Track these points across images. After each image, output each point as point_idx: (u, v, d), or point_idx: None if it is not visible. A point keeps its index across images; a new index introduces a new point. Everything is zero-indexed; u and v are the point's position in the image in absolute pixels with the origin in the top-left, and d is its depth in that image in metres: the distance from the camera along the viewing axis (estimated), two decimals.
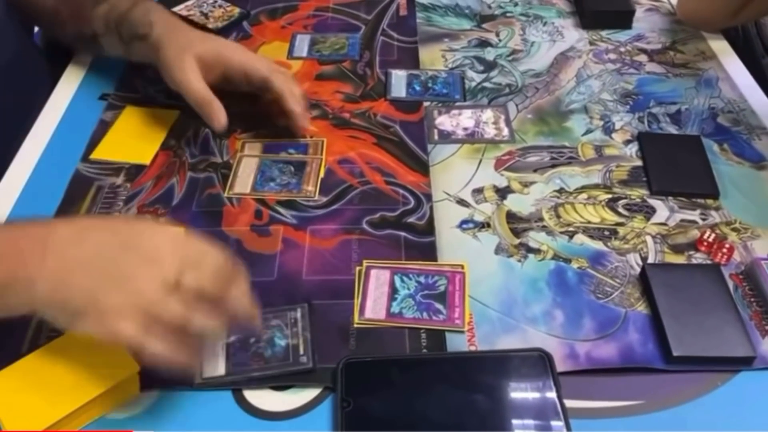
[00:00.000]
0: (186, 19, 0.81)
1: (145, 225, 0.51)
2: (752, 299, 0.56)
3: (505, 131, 0.72)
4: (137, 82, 0.79)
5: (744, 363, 0.51)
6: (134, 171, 0.68)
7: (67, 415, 0.46)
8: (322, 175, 0.68)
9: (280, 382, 0.50)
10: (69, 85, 0.79)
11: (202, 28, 0.84)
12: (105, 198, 0.65)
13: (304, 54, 0.84)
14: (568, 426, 0.47)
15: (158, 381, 0.50)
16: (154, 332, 0.43)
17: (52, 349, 0.50)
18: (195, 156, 0.70)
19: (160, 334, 0.43)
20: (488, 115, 0.74)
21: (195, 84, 0.65)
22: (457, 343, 0.53)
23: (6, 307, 0.45)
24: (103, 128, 0.73)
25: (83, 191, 0.65)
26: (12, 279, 0.45)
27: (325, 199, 0.65)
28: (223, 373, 0.50)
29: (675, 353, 0.51)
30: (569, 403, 0.48)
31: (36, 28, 0.86)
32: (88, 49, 0.78)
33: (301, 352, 0.52)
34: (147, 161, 0.69)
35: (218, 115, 0.65)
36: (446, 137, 0.72)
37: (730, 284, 0.56)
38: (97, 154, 0.69)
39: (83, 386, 0.48)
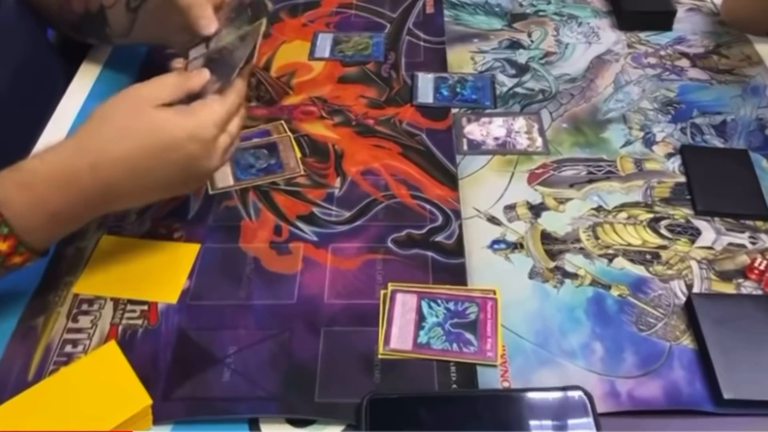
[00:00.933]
0: None
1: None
2: None
3: (539, 142, 0.68)
4: None
5: None
6: None
7: None
8: (299, 154, 0.67)
9: (301, 416, 0.47)
10: (83, 84, 0.76)
11: None
12: None
13: (327, 54, 0.80)
14: None
15: (172, 413, 0.47)
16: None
17: (60, 379, 0.48)
18: None
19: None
20: (520, 123, 0.70)
21: None
22: (489, 378, 0.50)
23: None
24: None
25: None
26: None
27: (348, 214, 0.62)
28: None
29: (726, 396, 0.47)
30: None
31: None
32: (94, 31, 0.74)
33: None
34: None
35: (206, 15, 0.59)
36: (476, 147, 0.68)
37: None
38: None
39: (93, 420, 0.45)
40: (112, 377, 0.47)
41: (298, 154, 0.67)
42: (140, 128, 0.50)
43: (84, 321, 0.53)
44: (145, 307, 0.54)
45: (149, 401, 0.46)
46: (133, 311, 0.54)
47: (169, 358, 0.51)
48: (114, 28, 0.71)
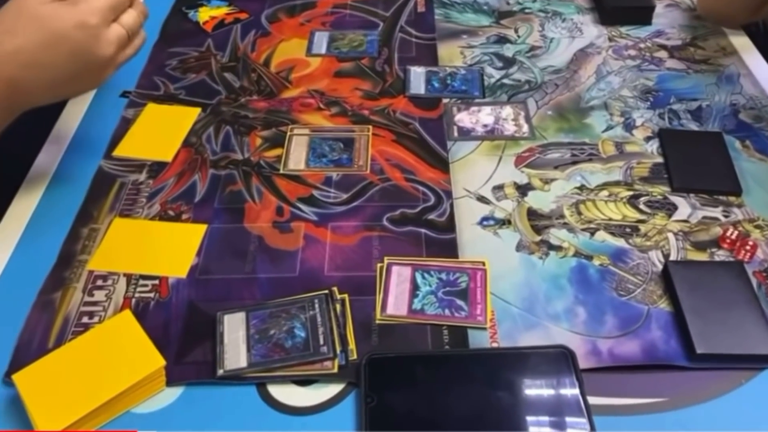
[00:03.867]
0: None
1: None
2: None
3: (525, 128, 0.72)
4: (158, 79, 0.80)
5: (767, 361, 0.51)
6: (156, 168, 0.68)
7: (94, 410, 0.47)
8: (371, 150, 0.70)
9: (305, 377, 0.51)
10: None
11: None
12: (128, 194, 0.65)
13: (323, 51, 0.84)
14: (591, 423, 0.47)
15: (184, 375, 0.51)
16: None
17: (79, 344, 0.51)
18: (216, 153, 0.70)
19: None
20: (508, 111, 0.74)
21: None
22: (479, 340, 0.53)
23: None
24: (124, 125, 0.73)
25: (106, 188, 0.66)
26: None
27: (345, 196, 0.65)
28: (245, 365, 0.51)
29: (698, 351, 0.51)
30: (592, 400, 0.48)
31: None
32: None
33: (321, 341, 0.52)
34: (169, 158, 0.69)
35: None
36: (466, 134, 0.72)
37: (754, 282, 0.56)
38: (120, 151, 0.70)
39: (110, 381, 0.48)
40: (128, 342, 0.51)
41: (370, 152, 0.69)
42: (28, 24, 0.55)
43: (99, 295, 0.57)
44: (156, 282, 0.58)
45: (163, 362, 0.49)
46: (145, 285, 0.57)
47: (180, 326, 0.54)
48: None
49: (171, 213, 0.64)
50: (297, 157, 0.69)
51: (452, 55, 0.83)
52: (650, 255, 0.59)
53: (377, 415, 0.47)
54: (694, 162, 0.67)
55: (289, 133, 0.72)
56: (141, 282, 0.58)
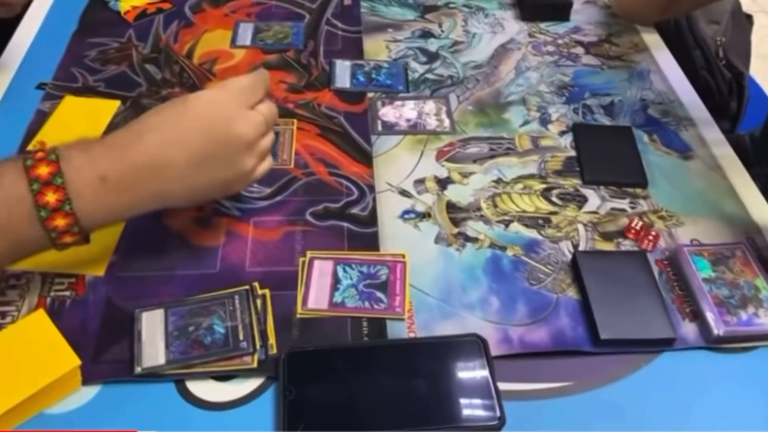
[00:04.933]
0: None
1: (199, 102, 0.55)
2: (675, 284, 0.59)
3: (447, 123, 0.74)
4: (76, 70, 0.78)
5: (666, 344, 0.54)
6: None
7: (7, 411, 0.46)
8: (295, 145, 0.70)
9: (224, 373, 0.51)
10: (4, 73, 0.77)
11: None
12: None
13: (248, 43, 0.84)
14: (501, 407, 0.49)
15: (101, 374, 0.50)
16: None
17: None
18: None
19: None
20: (430, 106, 0.76)
21: None
22: (397, 331, 0.55)
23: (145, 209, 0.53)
24: (40, 118, 0.71)
25: None
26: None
27: (268, 191, 0.66)
28: (163, 363, 0.51)
29: (602, 336, 0.54)
30: (503, 385, 0.51)
31: None
32: None
33: (241, 337, 0.52)
34: None
35: None
36: (389, 128, 0.73)
37: (655, 270, 0.59)
38: (35, 146, 0.68)
39: (23, 382, 0.48)
40: (41, 342, 0.50)
41: (294, 146, 0.70)
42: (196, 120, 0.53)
43: (12, 294, 0.56)
44: (73, 280, 0.57)
45: (78, 362, 0.49)
46: (61, 283, 0.56)
47: (98, 324, 0.54)
48: None
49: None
50: None
51: (377, 48, 0.84)
52: (560, 245, 0.62)
53: (295, 408, 0.48)
54: (604, 155, 0.70)
55: None
56: (57, 280, 0.57)
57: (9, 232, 0.49)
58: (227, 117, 0.54)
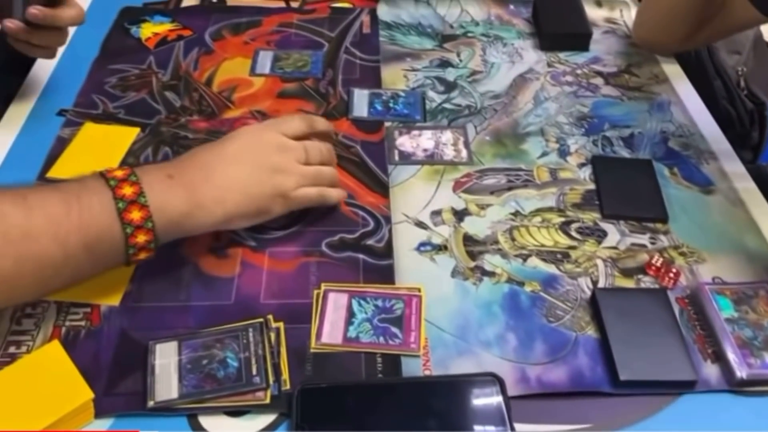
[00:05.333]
0: None
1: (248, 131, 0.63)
2: (696, 323, 0.58)
3: (464, 153, 0.74)
4: (96, 97, 0.78)
5: (687, 387, 0.53)
6: None
7: None
8: None
9: (237, 408, 0.51)
10: (26, 99, 0.78)
11: None
12: None
13: (267, 71, 0.84)
14: None
15: (114, 407, 0.50)
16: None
17: (4, 376, 0.50)
18: None
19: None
20: (448, 136, 0.76)
21: None
22: (412, 368, 0.54)
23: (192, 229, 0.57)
24: (60, 145, 0.72)
25: None
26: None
27: (284, 221, 0.65)
28: (176, 396, 0.50)
29: (622, 377, 0.53)
30: (520, 427, 0.50)
31: None
32: None
33: (254, 372, 0.52)
34: None
35: None
36: (406, 158, 0.73)
37: (676, 308, 0.58)
38: (54, 173, 0.69)
39: (36, 414, 0.47)
40: (55, 373, 0.50)
41: None
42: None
43: (27, 324, 0.56)
44: (88, 310, 0.57)
45: (91, 395, 0.49)
46: (76, 313, 0.56)
47: (111, 356, 0.54)
48: None
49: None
50: None
51: (395, 77, 0.84)
52: (579, 281, 0.61)
53: None
54: (624, 189, 0.69)
55: None
56: (72, 310, 0.57)
57: (96, 249, 0.52)
58: (260, 130, 0.63)
